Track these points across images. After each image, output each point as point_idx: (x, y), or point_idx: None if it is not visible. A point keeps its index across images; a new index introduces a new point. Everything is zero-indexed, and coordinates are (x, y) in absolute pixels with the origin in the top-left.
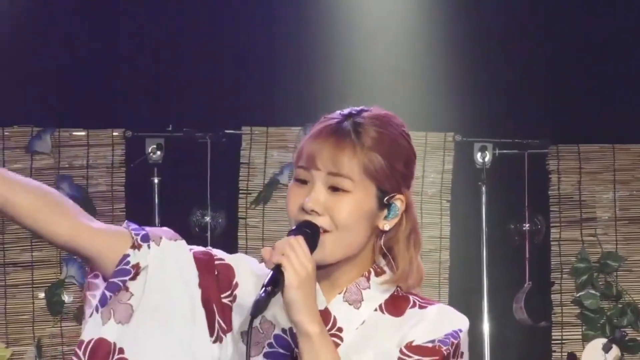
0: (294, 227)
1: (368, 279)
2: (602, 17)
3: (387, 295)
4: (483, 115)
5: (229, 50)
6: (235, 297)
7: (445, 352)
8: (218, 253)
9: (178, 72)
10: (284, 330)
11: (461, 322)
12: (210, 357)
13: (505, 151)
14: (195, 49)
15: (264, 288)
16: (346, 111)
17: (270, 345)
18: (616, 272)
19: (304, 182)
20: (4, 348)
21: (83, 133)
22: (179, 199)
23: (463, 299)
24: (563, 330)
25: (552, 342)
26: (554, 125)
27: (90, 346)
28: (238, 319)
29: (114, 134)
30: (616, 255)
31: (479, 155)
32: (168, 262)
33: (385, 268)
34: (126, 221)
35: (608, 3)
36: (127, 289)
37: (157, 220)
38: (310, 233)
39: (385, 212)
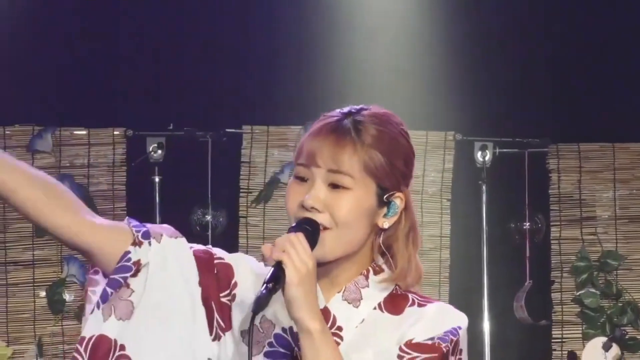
0: (293, 224)
1: (367, 277)
2: (602, 17)
3: (386, 294)
4: (483, 115)
5: (230, 50)
6: (234, 297)
7: (444, 349)
8: (218, 252)
9: (179, 72)
10: (284, 330)
11: (460, 320)
12: (209, 355)
13: (505, 150)
14: (196, 48)
15: (265, 285)
16: (346, 109)
17: (270, 344)
18: (616, 270)
19: (303, 179)
20: (5, 347)
21: (84, 132)
22: (180, 198)
23: (463, 298)
24: (563, 328)
25: (553, 340)
26: (554, 124)
27: (91, 342)
28: (238, 318)
29: (115, 133)
30: (616, 254)
31: (479, 154)
32: (169, 259)
33: (384, 266)
34: (127, 217)
35: (608, 3)
36: (127, 285)
37: (158, 219)
38: (311, 230)
39: (385, 210)
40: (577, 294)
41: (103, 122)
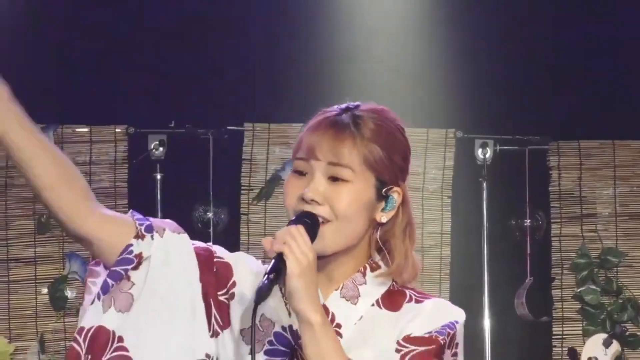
0: (293, 218)
1: (364, 274)
2: (602, 14)
3: (383, 290)
4: (484, 112)
5: (231, 48)
6: (232, 295)
7: (441, 342)
8: (218, 250)
9: (180, 69)
10: (283, 328)
11: (458, 315)
12: (207, 351)
13: (506, 147)
14: (197, 46)
15: (266, 275)
16: (343, 105)
17: (270, 342)
18: (616, 267)
19: (302, 173)
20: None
21: (86, 129)
22: (182, 195)
23: (464, 295)
24: (564, 325)
25: (553, 337)
26: (555, 121)
27: (90, 333)
28: (236, 317)
29: (117, 130)
30: (616, 251)
31: (479, 152)
32: (171, 254)
33: (381, 263)
34: (131, 210)
35: (608, 0)
36: (128, 278)
37: (159, 216)
38: (310, 223)
39: (383, 204)
40: (578, 290)
41: (105, 119)
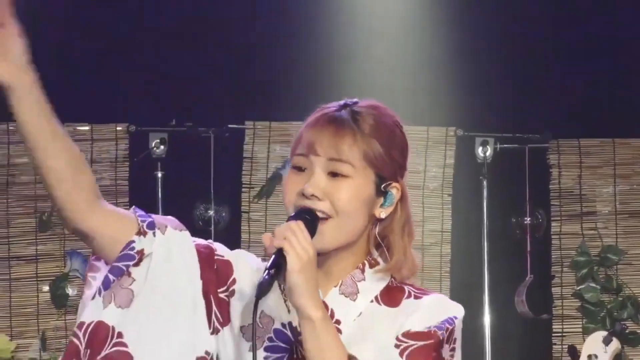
0: (292, 214)
1: (363, 271)
2: (602, 11)
3: (382, 286)
4: (484, 110)
5: (232, 46)
6: (232, 293)
7: (440, 337)
8: (219, 248)
9: (181, 68)
10: (283, 324)
11: (456, 310)
12: (207, 348)
13: (506, 145)
14: (198, 44)
15: (267, 271)
16: (342, 101)
17: (270, 339)
18: (616, 265)
19: (301, 169)
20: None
21: (87, 128)
22: (183, 193)
23: (464, 292)
24: (564, 323)
25: (553, 334)
26: (555, 119)
27: (90, 328)
28: (236, 314)
29: (118, 128)
30: (616, 249)
31: (480, 150)
32: (172, 251)
33: (379, 259)
34: (133, 207)
35: None
36: (129, 274)
37: (160, 215)
38: (310, 219)
39: (382, 199)
40: (578, 288)
41: (106, 117)
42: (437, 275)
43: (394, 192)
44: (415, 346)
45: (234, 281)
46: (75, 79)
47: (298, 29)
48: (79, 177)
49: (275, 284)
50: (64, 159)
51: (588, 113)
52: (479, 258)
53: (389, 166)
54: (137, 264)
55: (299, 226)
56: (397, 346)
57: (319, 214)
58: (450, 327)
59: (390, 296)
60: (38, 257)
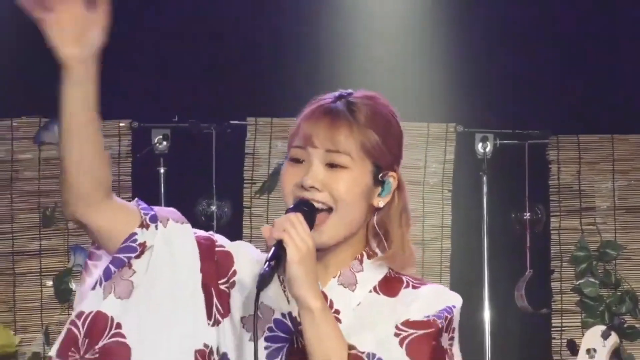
0: (291, 206)
1: (361, 262)
2: (602, 8)
3: (380, 276)
4: (484, 107)
5: (234, 44)
6: (233, 284)
7: (439, 325)
8: (219, 239)
9: (184, 64)
10: (283, 315)
11: (455, 299)
12: (207, 340)
13: (506, 141)
14: (200, 40)
15: (267, 263)
16: (336, 93)
17: (270, 329)
18: (615, 260)
19: (299, 161)
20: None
21: None
22: (185, 189)
23: (464, 287)
24: (563, 317)
25: (552, 329)
26: (554, 116)
27: (89, 318)
28: (237, 305)
29: (121, 124)
30: (615, 244)
31: (480, 146)
32: (174, 244)
33: (377, 250)
34: (136, 199)
35: None
36: (130, 266)
37: None
38: (308, 211)
39: (379, 189)
40: (577, 283)
41: (108, 113)
42: (437, 271)
43: (391, 180)
44: (414, 335)
45: (234, 272)
46: None
47: (300, 27)
48: (101, 172)
49: (275, 274)
50: (92, 150)
51: (587, 110)
52: (478, 253)
53: (386, 156)
54: (138, 257)
55: (297, 218)
56: (396, 335)
57: (319, 205)
58: (449, 316)
59: (389, 286)
60: (42, 252)
